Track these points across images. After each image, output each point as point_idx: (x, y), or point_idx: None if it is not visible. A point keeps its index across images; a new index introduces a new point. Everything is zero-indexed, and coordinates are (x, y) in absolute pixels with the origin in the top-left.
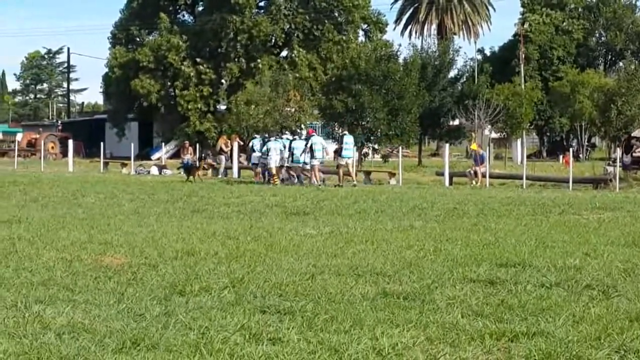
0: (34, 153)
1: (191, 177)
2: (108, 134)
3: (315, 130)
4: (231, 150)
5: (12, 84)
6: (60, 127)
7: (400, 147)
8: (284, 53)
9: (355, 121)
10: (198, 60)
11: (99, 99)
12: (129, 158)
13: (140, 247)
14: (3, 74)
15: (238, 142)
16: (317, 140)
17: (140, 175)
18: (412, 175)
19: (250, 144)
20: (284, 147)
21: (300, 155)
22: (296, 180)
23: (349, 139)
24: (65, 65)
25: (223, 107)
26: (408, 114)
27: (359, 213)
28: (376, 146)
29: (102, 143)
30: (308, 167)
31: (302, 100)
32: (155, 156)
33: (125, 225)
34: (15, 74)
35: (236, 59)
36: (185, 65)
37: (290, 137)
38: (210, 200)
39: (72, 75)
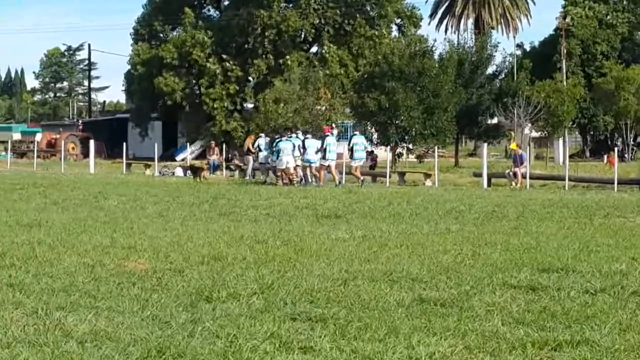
0: (54, 154)
1: (197, 178)
2: (131, 134)
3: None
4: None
5: (31, 82)
6: (81, 127)
7: (435, 147)
8: (314, 49)
9: (389, 120)
10: (224, 56)
11: (121, 98)
12: (152, 159)
13: (165, 252)
14: (22, 71)
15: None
16: (332, 141)
17: (165, 177)
18: (449, 177)
19: (256, 144)
20: (294, 146)
21: (315, 154)
22: (305, 181)
23: (359, 140)
24: (86, 62)
25: (250, 106)
26: (444, 113)
27: (393, 216)
28: (411, 146)
29: (124, 143)
30: (316, 166)
31: (332, 98)
32: (180, 157)
33: (149, 229)
34: (34, 72)
35: (264, 56)
36: (210, 62)
37: (301, 136)
38: (237, 203)
39: (93, 73)
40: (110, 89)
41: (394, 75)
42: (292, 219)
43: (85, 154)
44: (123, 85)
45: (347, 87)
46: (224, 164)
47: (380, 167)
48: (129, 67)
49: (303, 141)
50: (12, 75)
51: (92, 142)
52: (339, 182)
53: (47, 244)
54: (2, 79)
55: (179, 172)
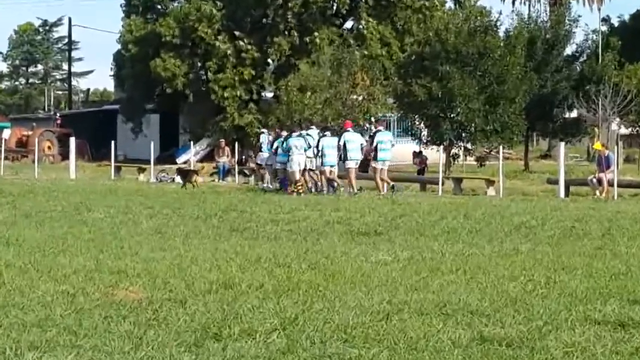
0: (25, 155)
1: (188, 184)
2: (121, 129)
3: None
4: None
5: None
6: (59, 121)
7: (500, 147)
8: (349, 24)
9: (442, 113)
10: (237, 33)
11: (109, 85)
12: (147, 161)
13: (164, 277)
14: None
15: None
16: (353, 137)
17: (163, 184)
18: (517, 184)
19: (260, 140)
20: (309, 145)
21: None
22: (321, 188)
23: (384, 137)
24: (66, 40)
25: (269, 95)
26: (511, 104)
27: (447, 233)
28: (469, 146)
29: (112, 142)
30: (330, 170)
31: (372, 85)
32: (182, 158)
33: (143, 249)
34: (0, 53)
35: (286, 32)
36: (220, 40)
37: (317, 133)
38: (253, 217)
39: (74, 53)
40: (96, 74)
41: (448, 57)
42: (321, 236)
43: (65, 155)
44: (111, 69)
45: (389, 72)
46: (236, 167)
47: (431, 171)
48: (118, 46)
49: (319, 140)
50: None
51: (72, 140)
52: (357, 190)
53: (18, 267)
54: None
55: (178, 177)
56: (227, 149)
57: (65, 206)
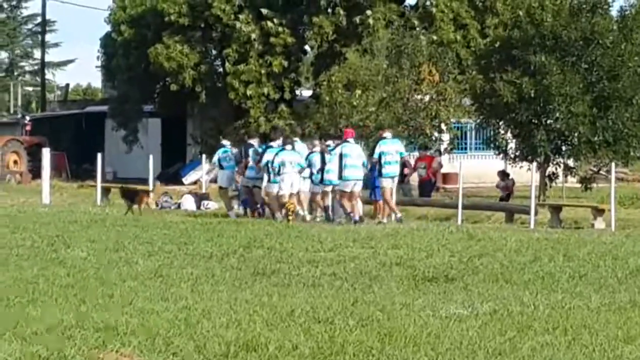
0: None
1: (132, 208)
2: (110, 138)
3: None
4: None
5: None
6: (28, 127)
7: (612, 164)
8: (412, 0)
9: (535, 118)
10: (264, 12)
11: (95, 79)
12: (145, 181)
13: (166, 336)
14: None
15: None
16: (352, 151)
17: (165, 211)
18: (634, 214)
19: (217, 156)
20: (309, 162)
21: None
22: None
23: (390, 146)
24: (38, 20)
25: (307, 93)
26: (627, 107)
27: (541, 279)
28: (571, 162)
29: (99, 155)
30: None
31: (442, 81)
32: (190, 177)
33: (139, 298)
34: None
35: (330, 10)
36: (242, 20)
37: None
38: (284, 255)
39: (49, 37)
40: (77, 64)
41: (544, 45)
42: (374, 282)
43: (36, 172)
44: (98, 58)
45: (465, 64)
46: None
47: (520, 196)
48: (107, 28)
49: (322, 154)
50: None
51: (46, 153)
52: (359, 217)
53: None
54: None
55: (189, 202)
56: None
57: (37, 240)
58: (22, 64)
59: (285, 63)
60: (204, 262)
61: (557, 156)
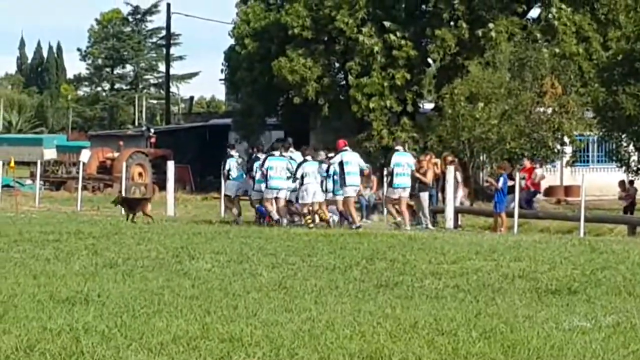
0: (109, 184)
1: (132, 216)
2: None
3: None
4: (443, 179)
5: (74, 66)
6: (153, 140)
7: None
8: (534, 12)
9: None
10: (387, 24)
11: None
12: None
13: (290, 347)
14: (59, 49)
15: (456, 167)
16: (352, 158)
17: (289, 223)
18: None
19: (227, 166)
20: (327, 173)
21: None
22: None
23: (402, 158)
24: (163, 34)
25: (429, 106)
26: None
27: None
28: None
29: (223, 165)
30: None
31: (564, 93)
32: None
33: (263, 310)
34: (79, 50)
35: (452, 23)
36: (365, 33)
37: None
38: (407, 267)
39: (173, 50)
40: (201, 77)
41: None
42: (497, 295)
43: (161, 185)
44: (222, 71)
45: (588, 76)
46: (384, 201)
47: None
48: (231, 41)
49: (298, 166)
50: (45, 54)
51: (171, 165)
52: (358, 224)
53: (99, 332)
54: (29, 61)
55: None
56: (373, 177)
57: (162, 252)
58: (147, 77)
59: (408, 76)
60: (327, 274)
61: None
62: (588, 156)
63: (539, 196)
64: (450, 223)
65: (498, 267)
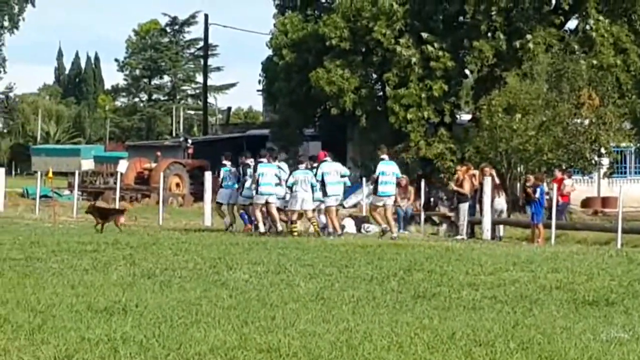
0: (147, 194)
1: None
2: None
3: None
4: (480, 191)
5: (112, 77)
6: (191, 151)
7: None
8: (572, 24)
9: None
10: (424, 36)
11: (256, 103)
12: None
13: (327, 358)
14: (96, 59)
15: (493, 178)
16: (331, 169)
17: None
18: None
19: (221, 175)
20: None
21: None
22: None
23: (388, 167)
24: (200, 44)
25: (466, 117)
26: None
27: None
28: None
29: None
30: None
31: (602, 105)
32: (350, 200)
33: (300, 320)
34: (116, 60)
35: (490, 34)
36: (402, 44)
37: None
38: (445, 278)
39: (211, 61)
40: (239, 88)
41: None
42: (534, 306)
43: (198, 195)
44: (259, 82)
45: (626, 88)
46: (421, 213)
47: None
48: (269, 52)
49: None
50: (82, 64)
51: (208, 176)
52: (340, 232)
53: (137, 342)
54: (66, 72)
55: (349, 224)
56: (410, 188)
57: (199, 263)
58: (184, 87)
59: (446, 87)
60: (364, 285)
61: None
62: (626, 167)
63: (572, 206)
64: (487, 234)
65: (535, 279)
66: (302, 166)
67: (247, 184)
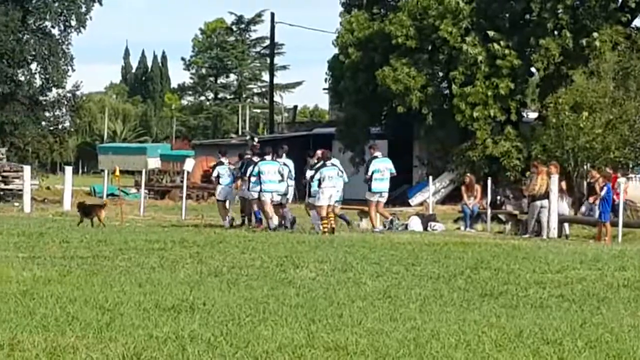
0: (213, 192)
1: (97, 220)
2: (337, 159)
3: None
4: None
5: (178, 76)
6: (257, 148)
7: None
8: (639, 21)
9: None
10: (491, 34)
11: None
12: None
13: (395, 356)
14: (163, 58)
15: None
16: (333, 173)
17: (392, 232)
18: None
19: (216, 172)
20: (281, 174)
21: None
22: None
23: (382, 164)
24: (266, 43)
25: (532, 116)
26: None
27: None
28: None
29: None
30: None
31: None
32: (416, 199)
33: (368, 318)
34: (183, 59)
35: (556, 32)
36: (469, 42)
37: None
38: (511, 277)
39: (277, 60)
40: (305, 86)
41: None
42: (602, 304)
43: None
44: (325, 80)
45: None
46: (488, 211)
47: None
48: (335, 51)
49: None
50: (149, 63)
51: None
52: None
53: (205, 340)
54: (133, 70)
55: (416, 223)
56: (476, 187)
57: (266, 261)
58: (251, 86)
59: (512, 85)
60: (431, 283)
61: None
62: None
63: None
64: (554, 232)
65: (603, 277)
66: (329, 162)
67: (253, 180)
